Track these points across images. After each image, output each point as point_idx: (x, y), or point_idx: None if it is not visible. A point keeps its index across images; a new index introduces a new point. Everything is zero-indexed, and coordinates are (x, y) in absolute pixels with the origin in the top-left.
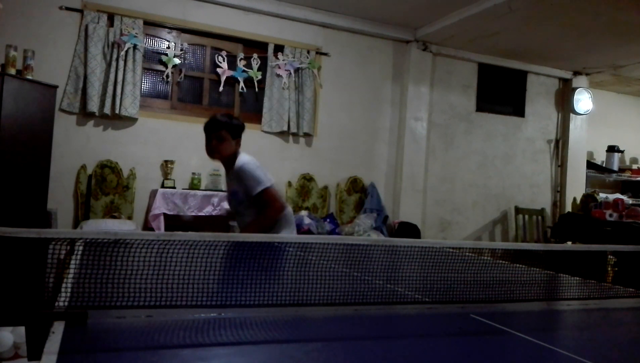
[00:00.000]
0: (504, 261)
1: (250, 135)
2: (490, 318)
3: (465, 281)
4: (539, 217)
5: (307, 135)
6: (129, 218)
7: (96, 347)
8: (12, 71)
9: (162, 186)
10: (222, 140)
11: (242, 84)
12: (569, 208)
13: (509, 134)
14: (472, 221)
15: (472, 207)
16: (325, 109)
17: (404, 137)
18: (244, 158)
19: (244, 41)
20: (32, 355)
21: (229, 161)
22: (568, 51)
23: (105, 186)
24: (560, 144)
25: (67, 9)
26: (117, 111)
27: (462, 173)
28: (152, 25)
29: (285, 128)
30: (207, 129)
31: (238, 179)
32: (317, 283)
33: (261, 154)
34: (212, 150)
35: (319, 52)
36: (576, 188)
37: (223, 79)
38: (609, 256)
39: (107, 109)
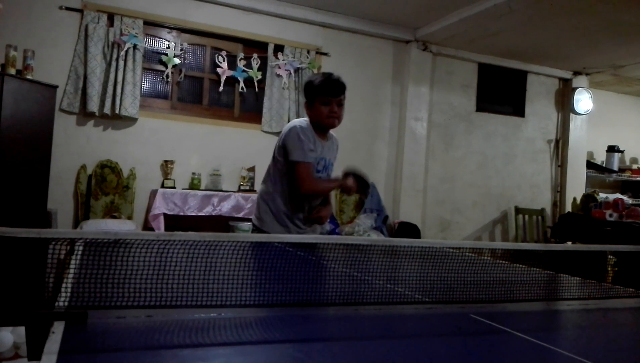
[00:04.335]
0: (504, 261)
1: (250, 135)
2: (490, 318)
3: (465, 281)
4: (539, 217)
5: None
6: (129, 218)
7: (96, 347)
8: (12, 71)
9: (162, 186)
10: (343, 105)
11: (242, 84)
12: (569, 208)
13: (509, 134)
14: (472, 221)
15: (472, 207)
16: None
17: (404, 137)
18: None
19: (244, 41)
20: (32, 355)
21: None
22: (568, 51)
23: (105, 186)
24: (560, 144)
25: (67, 9)
26: (117, 111)
27: (462, 173)
28: (152, 25)
29: None
30: (338, 91)
31: (336, 152)
32: (317, 283)
33: (261, 154)
34: (339, 117)
35: (319, 52)
36: (576, 188)
37: (223, 79)
38: (609, 256)
39: (107, 109)
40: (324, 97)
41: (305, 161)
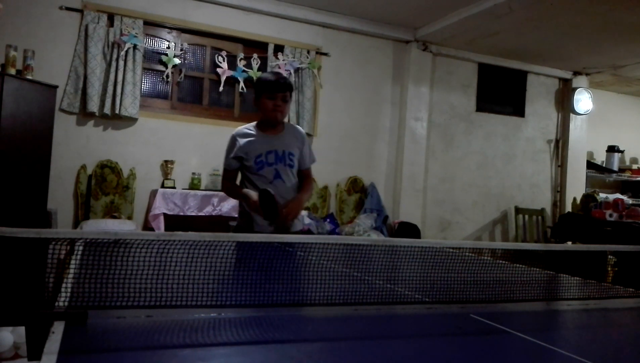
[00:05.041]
0: (504, 261)
1: None
2: (490, 318)
3: (465, 281)
4: (539, 217)
5: (307, 135)
6: (129, 218)
7: (96, 347)
8: (12, 71)
9: (162, 186)
10: (287, 101)
11: (242, 84)
12: (569, 208)
13: (509, 134)
14: (472, 221)
15: (472, 207)
16: (325, 109)
17: (404, 137)
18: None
19: (244, 41)
20: (32, 355)
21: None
22: (568, 51)
23: (105, 186)
24: (560, 144)
25: (67, 9)
26: (117, 111)
27: (462, 173)
28: (152, 25)
29: None
30: (283, 87)
31: (299, 141)
32: (317, 283)
33: None
34: (282, 111)
35: (319, 52)
36: (576, 188)
37: (223, 79)
38: (609, 256)
39: (107, 109)
40: (269, 92)
41: (223, 168)
